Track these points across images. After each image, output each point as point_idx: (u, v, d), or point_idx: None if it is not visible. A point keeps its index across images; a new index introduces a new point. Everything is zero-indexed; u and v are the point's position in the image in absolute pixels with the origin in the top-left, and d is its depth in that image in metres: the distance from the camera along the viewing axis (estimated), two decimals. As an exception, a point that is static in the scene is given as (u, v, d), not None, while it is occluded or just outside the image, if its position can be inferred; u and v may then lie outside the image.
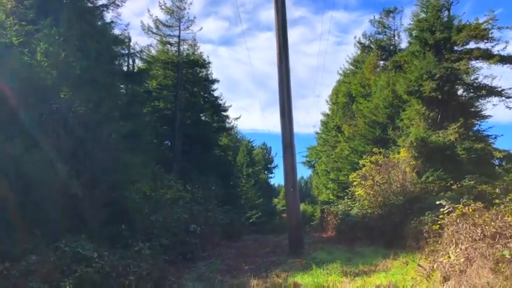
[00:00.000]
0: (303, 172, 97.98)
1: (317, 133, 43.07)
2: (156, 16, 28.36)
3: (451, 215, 8.35)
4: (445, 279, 7.26)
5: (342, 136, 33.88)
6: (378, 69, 30.41)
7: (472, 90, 22.15)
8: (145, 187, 18.37)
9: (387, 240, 13.74)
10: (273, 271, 11.17)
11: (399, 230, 13.14)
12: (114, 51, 18.67)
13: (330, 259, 11.56)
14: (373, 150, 20.80)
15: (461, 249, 7.41)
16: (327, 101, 40.41)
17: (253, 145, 44.43)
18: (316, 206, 40.60)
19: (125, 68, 23.38)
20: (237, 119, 33.77)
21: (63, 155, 13.22)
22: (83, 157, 13.90)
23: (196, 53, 29.82)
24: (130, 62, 26.87)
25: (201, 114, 31.01)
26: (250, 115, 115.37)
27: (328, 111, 40.38)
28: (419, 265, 8.46)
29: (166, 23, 28.30)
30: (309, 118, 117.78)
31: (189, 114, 29.05)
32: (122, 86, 24.34)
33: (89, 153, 14.09)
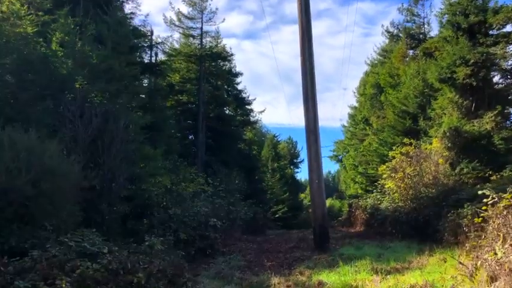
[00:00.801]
0: (330, 167, 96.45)
1: (344, 126, 41.87)
2: (179, 8, 27.79)
3: (496, 206, 7.27)
4: (492, 279, 6.24)
5: (370, 129, 32.66)
6: (407, 59, 29.12)
7: (509, 77, 20.77)
8: (166, 180, 17.75)
9: (420, 235, 12.67)
10: (296, 268, 10.30)
11: (434, 223, 12.06)
12: (133, 42, 18.07)
13: (358, 255, 10.60)
14: (404, 141, 19.60)
15: (510, 245, 6.36)
16: (354, 93, 39.22)
17: (279, 139, 43.50)
18: (344, 200, 39.45)
19: (147, 61, 22.76)
20: (261, 112, 32.98)
21: (79, 147, 12.69)
22: (100, 149, 13.32)
23: (219, 45, 29.07)
24: (153, 55, 26.42)
25: (225, 108, 30.31)
26: (276, 110, 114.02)
27: (355, 104, 39.18)
28: (460, 263, 7.42)
29: (188, 15, 27.67)
30: (336, 112, 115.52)
31: (212, 107, 28.38)
32: (143, 78, 23.92)
33: (106, 145, 13.50)
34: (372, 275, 8.56)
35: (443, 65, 20.25)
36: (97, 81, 14.01)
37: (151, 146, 17.40)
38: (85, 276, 6.71)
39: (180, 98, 28.02)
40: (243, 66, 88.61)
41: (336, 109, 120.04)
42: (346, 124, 41.56)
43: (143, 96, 24.07)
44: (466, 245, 8.44)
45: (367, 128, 33.56)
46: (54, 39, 14.16)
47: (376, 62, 34.57)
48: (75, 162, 11.85)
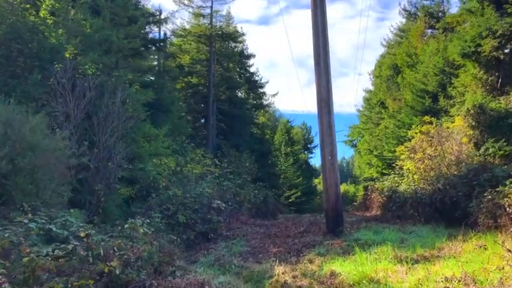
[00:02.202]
0: (344, 152, 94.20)
1: (359, 111, 39.76)
2: (188, -14, 26.07)
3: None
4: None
5: (385, 112, 30.73)
6: (425, 38, 27.04)
7: (539, 50, 18.62)
8: (171, 161, 16.25)
9: (447, 218, 10.89)
10: (306, 255, 8.65)
11: (463, 205, 10.26)
12: (134, 16, 16.45)
13: (377, 240, 8.89)
14: (424, 119, 17.74)
15: None
16: (370, 76, 37.07)
17: (292, 125, 41.67)
18: (358, 185, 37.51)
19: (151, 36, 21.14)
20: (274, 95, 31.26)
21: (71, 122, 11.25)
22: (96, 125, 11.85)
23: (230, 26, 27.34)
24: (161, 34, 24.86)
25: (237, 91, 28.62)
26: (290, 96, 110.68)
27: (371, 88, 37.03)
28: (509, 250, 5.67)
29: (198, -8, 25.95)
30: (350, 97, 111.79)
31: (223, 89, 26.75)
32: (148, 55, 22.40)
33: (102, 121, 12.02)
34: (395, 265, 6.87)
35: (467, 38, 18.19)
36: (91, 53, 12.52)
37: (157, 126, 15.96)
38: (35, 266, 5.16)
39: (190, 79, 26.48)
40: (257, 51, 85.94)
41: (351, 94, 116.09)
42: (361, 109, 39.51)
43: (151, 77, 22.77)
44: (512, 229, 6.68)
45: (383, 111, 31.63)
46: (43, 6, 12.69)
47: (392, 42, 32.42)
48: (61, 138, 10.38)
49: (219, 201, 12.51)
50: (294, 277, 6.96)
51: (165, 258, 7.72)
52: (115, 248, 6.44)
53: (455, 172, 14.56)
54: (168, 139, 18.35)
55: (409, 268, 6.63)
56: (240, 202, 14.90)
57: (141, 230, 7.33)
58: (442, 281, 5.71)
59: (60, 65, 11.58)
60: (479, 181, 10.32)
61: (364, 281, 6.14)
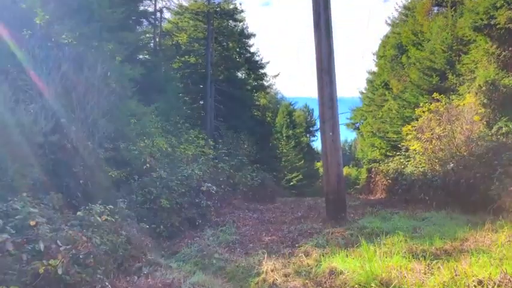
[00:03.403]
0: (346, 135, 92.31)
1: (362, 93, 37.92)
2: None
3: None
4: None
5: (389, 93, 28.98)
6: (432, 15, 25.20)
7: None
8: (162, 142, 14.76)
9: (462, 203, 9.37)
10: (302, 246, 7.18)
11: (482, 188, 8.75)
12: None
13: (385, 229, 7.39)
14: (433, 96, 16.14)
15: None
16: (374, 56, 35.14)
17: (294, 107, 39.97)
18: (361, 168, 35.93)
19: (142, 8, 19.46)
20: (275, 76, 29.56)
21: (43, 97, 9.78)
22: (75, 101, 10.39)
23: (229, 2, 25.50)
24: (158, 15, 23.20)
25: (236, 71, 26.93)
26: (292, 79, 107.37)
27: (374, 69, 35.16)
28: None
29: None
30: (353, 81, 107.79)
31: (221, 69, 25.08)
32: (142, 31, 20.85)
33: (81, 96, 10.57)
34: (410, 261, 5.38)
35: (479, 10, 16.47)
36: (65, 19, 10.99)
37: (144, 102, 14.49)
38: None
39: (188, 59, 24.82)
40: (259, 34, 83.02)
41: (354, 78, 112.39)
42: (364, 91, 37.69)
43: (146, 55, 21.19)
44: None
45: (387, 92, 29.88)
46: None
47: (397, 21, 30.45)
48: (28, 113, 8.99)
49: (209, 184, 11.05)
50: (285, 275, 5.51)
51: (133, 251, 6.29)
52: (58, 241, 4.99)
53: (465, 153, 13.09)
54: (161, 119, 16.90)
55: (428, 266, 5.15)
56: (234, 185, 13.42)
57: (98, 218, 5.85)
58: (474, 286, 4.23)
59: (29, 32, 10.08)
60: (501, 161, 8.78)
61: (372, 284, 4.67)
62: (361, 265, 5.30)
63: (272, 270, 5.69)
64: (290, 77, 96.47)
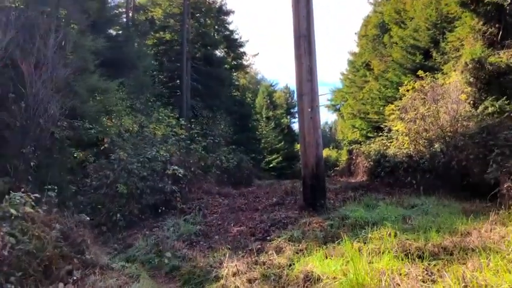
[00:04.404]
0: (327, 117, 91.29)
1: (343, 74, 36.75)
2: None
3: None
4: None
5: (370, 74, 27.91)
6: (415, -7, 23.99)
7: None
8: (128, 121, 13.36)
9: (453, 187, 8.30)
10: (274, 239, 5.99)
11: (477, 170, 7.68)
12: None
13: (371, 219, 6.23)
14: (418, 74, 15.06)
15: None
16: (356, 36, 33.86)
17: (275, 88, 38.58)
18: (341, 150, 34.99)
19: None
20: (255, 55, 28.22)
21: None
22: (26, 73, 8.95)
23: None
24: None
25: (214, 49, 25.40)
26: (273, 61, 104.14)
27: (356, 50, 33.93)
28: None
29: None
30: (336, 67, 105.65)
31: (198, 46, 23.52)
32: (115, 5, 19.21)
33: (31, 68, 9.11)
34: (403, 262, 4.24)
35: (467, -17, 15.33)
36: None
37: (109, 78, 13.04)
38: None
39: (163, 35, 23.20)
40: (239, 14, 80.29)
41: (335, 64, 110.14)
42: (345, 72, 36.50)
43: (119, 30, 19.54)
44: None
45: (368, 73, 28.81)
46: None
47: (380, 0, 29.19)
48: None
49: (175, 167, 9.75)
50: (249, 281, 4.34)
51: (66, 250, 5.01)
52: None
53: (452, 133, 12.11)
54: (132, 97, 15.47)
55: (427, 270, 4.02)
56: (206, 168, 12.16)
57: (13, 211, 4.55)
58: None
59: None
60: (497, 141, 7.70)
61: (358, 297, 3.52)
62: (342, 268, 4.14)
63: (234, 274, 4.51)
64: (271, 59, 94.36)
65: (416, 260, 4.31)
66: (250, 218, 7.64)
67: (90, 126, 9.84)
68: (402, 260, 4.30)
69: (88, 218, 5.89)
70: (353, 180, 16.18)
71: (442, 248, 4.60)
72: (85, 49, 11.61)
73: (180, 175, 9.79)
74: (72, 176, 9.23)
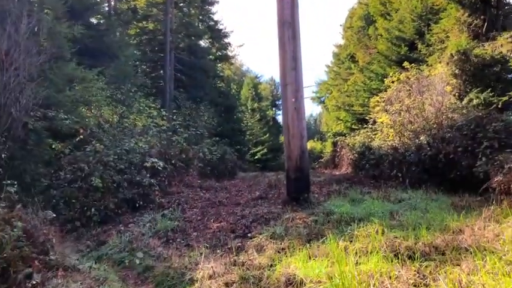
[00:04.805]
0: (311, 109, 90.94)
1: (328, 66, 36.42)
2: None
3: None
4: None
5: (355, 66, 27.65)
6: (400, -15, 23.67)
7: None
8: (107, 111, 12.81)
9: (440, 180, 8.00)
10: (255, 237, 5.59)
11: (465, 163, 7.38)
12: None
13: (357, 214, 5.87)
14: (403, 65, 14.78)
15: None
16: (341, 28, 33.52)
17: (260, 80, 38.04)
18: (326, 142, 34.74)
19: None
20: (240, 46, 27.66)
21: None
22: (-1, 61, 8.38)
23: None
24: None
25: (199, 39, 24.77)
26: (259, 53, 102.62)
27: (341, 42, 33.60)
28: None
29: None
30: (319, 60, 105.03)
31: (182, 36, 22.87)
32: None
33: (2, 55, 8.54)
34: (393, 263, 3.88)
35: (452, -26, 15.09)
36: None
37: (88, 68, 12.45)
38: None
39: (146, 25, 22.49)
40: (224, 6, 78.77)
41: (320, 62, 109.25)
42: (330, 64, 36.16)
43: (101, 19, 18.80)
44: None
45: (353, 65, 28.57)
46: None
47: (365, -9, 28.82)
48: None
49: (154, 159, 9.28)
50: (226, 285, 3.92)
51: (27, 250, 4.54)
52: None
53: (437, 125, 11.87)
54: (113, 87, 14.86)
55: (418, 272, 3.67)
56: (188, 160, 11.69)
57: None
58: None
59: None
60: (486, 133, 7.40)
61: (345, 305, 3.14)
62: (327, 270, 3.76)
63: (210, 277, 4.10)
64: (260, 52, 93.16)
65: (407, 260, 3.96)
66: (231, 212, 7.23)
67: (65, 116, 9.26)
68: (392, 260, 3.95)
69: (54, 215, 5.41)
70: (337, 173, 15.87)
71: (433, 247, 4.25)
72: (61, 36, 10.99)
73: (159, 168, 9.33)
74: (45, 169, 8.69)
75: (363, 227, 5.14)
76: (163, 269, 4.62)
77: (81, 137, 9.10)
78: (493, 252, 3.90)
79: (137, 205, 8.28)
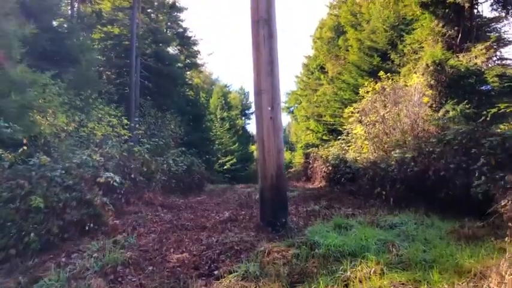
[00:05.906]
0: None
1: (297, 77, 35.75)
2: None
3: None
4: None
5: (325, 77, 27.05)
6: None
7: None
8: (62, 119, 11.32)
9: (434, 200, 7.04)
10: (224, 276, 4.39)
11: (459, 182, 6.45)
12: None
13: (347, 247, 4.68)
14: (379, 75, 14.04)
15: None
16: (311, 40, 32.86)
17: (230, 89, 36.90)
18: (295, 152, 33.87)
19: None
20: (209, 54, 26.55)
21: None
22: None
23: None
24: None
25: (166, 46, 23.46)
26: (228, 63, 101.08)
27: (310, 54, 32.96)
28: None
29: None
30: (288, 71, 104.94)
31: (149, 42, 21.48)
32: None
33: None
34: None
35: (426, -16, 14.52)
36: None
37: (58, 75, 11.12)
38: None
39: (111, 29, 21.00)
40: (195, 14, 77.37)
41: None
42: (299, 74, 35.51)
43: (64, 23, 17.26)
44: None
45: (322, 76, 27.97)
46: None
47: (335, 2, 28.23)
48: None
49: (109, 174, 7.95)
50: None
51: None
52: None
53: (410, 138, 11.17)
54: (73, 93, 13.39)
55: None
56: (150, 173, 10.38)
57: None
58: None
59: None
60: (481, 148, 6.52)
61: None
62: None
63: None
64: (227, 61, 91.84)
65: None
66: (195, 239, 6.00)
67: (6, 124, 7.83)
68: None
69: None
70: (311, 186, 14.86)
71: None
72: (8, 35, 9.58)
73: (115, 184, 8.00)
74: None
75: (357, 265, 4.05)
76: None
77: (24, 148, 7.66)
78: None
79: (87, 228, 6.92)
